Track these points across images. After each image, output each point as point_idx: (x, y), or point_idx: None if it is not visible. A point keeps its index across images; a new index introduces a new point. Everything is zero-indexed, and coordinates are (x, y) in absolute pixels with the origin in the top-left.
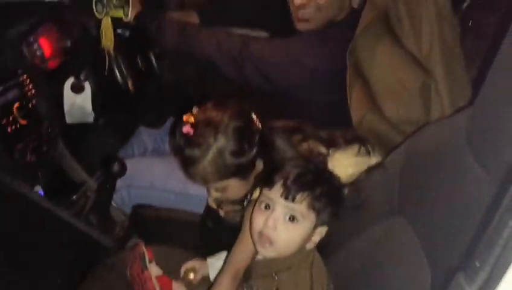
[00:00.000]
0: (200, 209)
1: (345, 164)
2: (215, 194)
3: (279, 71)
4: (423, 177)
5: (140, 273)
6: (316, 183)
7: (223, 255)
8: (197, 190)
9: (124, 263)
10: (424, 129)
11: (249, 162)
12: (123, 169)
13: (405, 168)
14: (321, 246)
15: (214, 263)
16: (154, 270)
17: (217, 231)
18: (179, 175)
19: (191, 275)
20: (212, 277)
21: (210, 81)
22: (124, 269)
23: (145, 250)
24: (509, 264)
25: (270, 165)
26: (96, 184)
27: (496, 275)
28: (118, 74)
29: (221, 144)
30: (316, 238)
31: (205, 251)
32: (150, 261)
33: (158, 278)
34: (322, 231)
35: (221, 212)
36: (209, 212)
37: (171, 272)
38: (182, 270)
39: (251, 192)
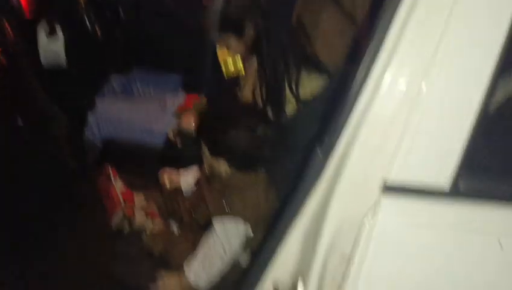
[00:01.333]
0: (161, 144)
1: None
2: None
3: None
4: None
5: (107, 187)
6: None
7: (193, 169)
8: (160, 127)
9: (94, 182)
10: None
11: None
12: (91, 104)
13: None
14: None
15: (187, 177)
16: (118, 184)
17: (175, 160)
18: (144, 113)
19: (166, 179)
20: (184, 189)
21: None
22: (95, 187)
23: (110, 169)
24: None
25: None
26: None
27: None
28: (88, 22)
29: None
30: None
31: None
32: (115, 178)
33: (121, 191)
34: None
35: (179, 144)
36: (169, 144)
37: (134, 188)
38: (160, 174)
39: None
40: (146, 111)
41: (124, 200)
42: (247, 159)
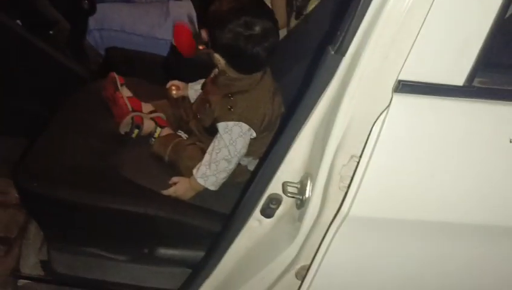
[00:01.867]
0: (165, 53)
1: None
2: None
3: None
4: None
5: (113, 93)
6: None
7: (201, 80)
8: (163, 34)
9: (99, 88)
10: None
11: None
12: (93, 7)
13: None
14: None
15: (194, 86)
16: (125, 91)
17: (180, 68)
18: (147, 20)
19: (174, 91)
20: (191, 97)
21: None
22: (100, 94)
23: (116, 76)
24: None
25: None
26: (69, 22)
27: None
28: None
29: None
30: None
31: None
32: (122, 85)
33: (129, 98)
34: None
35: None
36: (173, 52)
37: (140, 97)
38: (168, 85)
39: None
40: (148, 17)
41: (132, 107)
42: (247, 60)
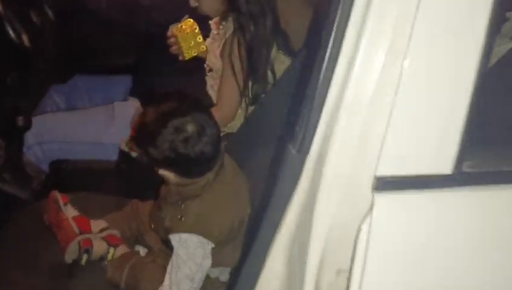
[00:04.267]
0: (115, 158)
1: None
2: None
3: None
4: None
5: (57, 216)
6: None
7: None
8: (110, 138)
9: (41, 211)
10: None
11: None
12: (28, 122)
13: None
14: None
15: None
16: (69, 211)
17: (132, 172)
18: (91, 127)
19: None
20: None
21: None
22: (42, 218)
23: (58, 195)
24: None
25: None
26: (3, 140)
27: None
28: (10, 31)
29: None
30: None
31: (124, 193)
32: (65, 204)
33: (75, 218)
34: None
35: (133, 154)
36: (123, 156)
37: (91, 213)
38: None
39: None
40: (93, 123)
41: (79, 229)
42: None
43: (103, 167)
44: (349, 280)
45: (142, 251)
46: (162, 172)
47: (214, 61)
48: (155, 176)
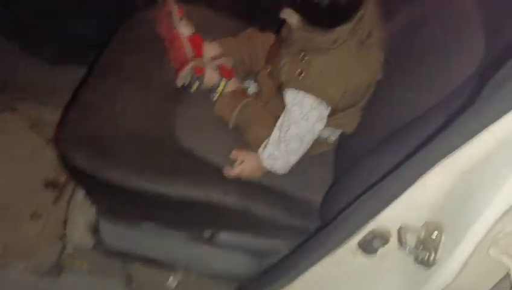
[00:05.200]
0: None
1: None
2: None
3: None
4: None
5: (170, 31)
6: None
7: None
8: None
9: (154, 18)
10: None
11: None
12: None
13: None
14: None
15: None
16: (184, 29)
17: None
18: None
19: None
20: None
21: None
22: (154, 27)
23: (175, 7)
24: None
25: None
26: None
27: None
28: None
29: None
30: None
31: (239, 13)
32: (180, 19)
33: (189, 37)
34: None
35: None
36: None
37: (204, 32)
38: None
39: None
40: None
41: (192, 51)
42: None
43: None
44: None
45: (252, 86)
46: (287, 12)
47: None
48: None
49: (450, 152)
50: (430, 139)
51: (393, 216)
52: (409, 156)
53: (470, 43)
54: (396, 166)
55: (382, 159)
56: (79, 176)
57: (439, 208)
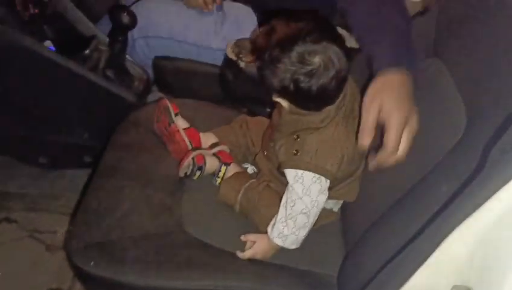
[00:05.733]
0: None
1: None
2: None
3: None
4: (463, 18)
5: (168, 126)
6: None
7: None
8: (219, 44)
9: (149, 117)
10: None
11: None
12: (133, 20)
13: (443, 13)
14: None
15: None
16: (180, 123)
17: (237, 83)
18: (200, 26)
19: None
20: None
21: None
22: (150, 124)
23: (169, 104)
24: None
25: None
26: (108, 37)
27: None
28: None
29: None
30: None
31: (226, 102)
32: (176, 115)
33: (186, 130)
34: None
35: (241, 64)
36: (229, 64)
37: (198, 124)
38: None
39: None
40: (202, 22)
41: (190, 142)
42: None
43: (207, 70)
44: None
45: (250, 168)
46: (276, 98)
47: None
48: (265, 91)
49: (466, 217)
50: (444, 206)
51: (420, 285)
52: (424, 226)
53: (451, 115)
54: (413, 238)
55: (393, 230)
56: (93, 283)
57: (465, 271)
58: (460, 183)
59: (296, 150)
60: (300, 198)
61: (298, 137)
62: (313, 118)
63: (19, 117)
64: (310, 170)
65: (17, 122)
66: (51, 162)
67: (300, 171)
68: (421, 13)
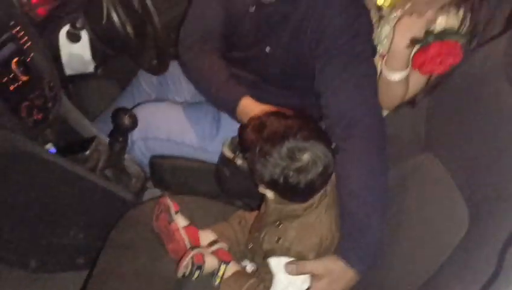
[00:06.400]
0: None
1: None
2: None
3: None
4: (454, 112)
5: (168, 225)
6: None
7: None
8: (215, 147)
9: (148, 215)
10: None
11: None
12: (134, 122)
13: (433, 107)
14: None
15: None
16: (180, 221)
17: (234, 179)
18: (197, 129)
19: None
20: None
21: None
22: (149, 222)
23: (170, 202)
24: None
25: None
26: (108, 138)
27: None
28: (116, 18)
29: None
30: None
31: (224, 198)
32: (176, 213)
33: (185, 228)
34: None
35: (238, 161)
36: (225, 161)
37: (196, 220)
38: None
39: None
40: (199, 126)
41: (189, 241)
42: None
43: (204, 167)
44: None
45: (249, 266)
46: (262, 190)
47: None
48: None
49: None
50: None
51: None
52: None
53: (451, 210)
54: None
55: None
56: None
57: None
58: (477, 285)
59: (278, 237)
60: (286, 287)
61: (280, 224)
62: (295, 207)
63: (13, 220)
64: (288, 255)
65: (11, 226)
66: (41, 266)
67: (283, 259)
68: (411, 105)
